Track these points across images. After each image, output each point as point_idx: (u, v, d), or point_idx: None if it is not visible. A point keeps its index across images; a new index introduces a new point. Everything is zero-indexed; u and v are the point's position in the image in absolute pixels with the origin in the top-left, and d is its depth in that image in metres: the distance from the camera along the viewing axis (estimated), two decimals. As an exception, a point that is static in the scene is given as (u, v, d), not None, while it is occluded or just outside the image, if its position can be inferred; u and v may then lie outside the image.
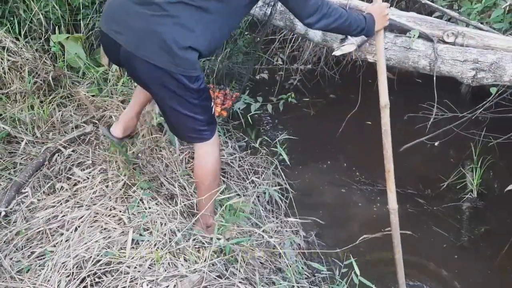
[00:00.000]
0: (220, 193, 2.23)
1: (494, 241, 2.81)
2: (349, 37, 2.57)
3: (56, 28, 3.03)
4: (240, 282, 1.84)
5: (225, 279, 1.86)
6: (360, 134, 3.78)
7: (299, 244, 2.65)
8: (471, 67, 2.31)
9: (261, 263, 2.23)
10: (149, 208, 2.04)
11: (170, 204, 2.18)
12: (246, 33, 4.83)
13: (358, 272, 1.68)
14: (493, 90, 2.82)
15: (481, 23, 2.99)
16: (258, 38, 4.82)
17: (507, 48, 2.32)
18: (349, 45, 2.48)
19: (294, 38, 4.53)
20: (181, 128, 1.96)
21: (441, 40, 2.41)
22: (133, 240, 1.88)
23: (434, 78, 2.38)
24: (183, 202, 2.18)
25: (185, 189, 2.34)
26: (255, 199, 2.56)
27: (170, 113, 1.90)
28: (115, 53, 1.83)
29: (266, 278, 2.03)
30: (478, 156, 3.18)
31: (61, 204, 2.09)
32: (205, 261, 1.91)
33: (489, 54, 2.28)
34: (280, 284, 1.93)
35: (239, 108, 3.40)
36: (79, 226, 1.94)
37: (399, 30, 2.51)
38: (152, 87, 1.84)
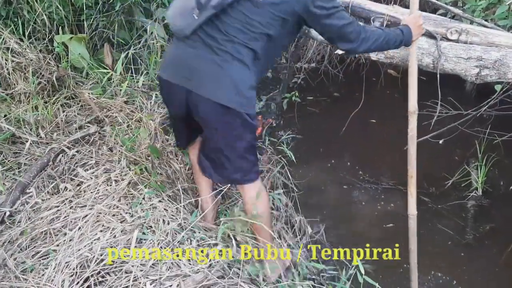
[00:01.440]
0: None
1: (499, 239, 2.79)
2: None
3: (60, 28, 3.04)
4: (243, 282, 1.84)
5: (228, 278, 1.86)
6: (364, 133, 3.77)
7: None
8: (475, 65, 2.29)
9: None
10: (153, 206, 2.05)
11: (175, 201, 2.18)
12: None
13: (363, 271, 1.68)
14: (497, 87, 2.81)
15: (486, 20, 2.97)
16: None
17: (511, 45, 2.29)
18: (352, 43, 2.47)
19: (297, 37, 4.52)
20: (231, 168, 1.99)
21: (445, 37, 2.39)
22: (133, 238, 1.88)
23: (438, 75, 2.36)
24: (186, 199, 2.18)
25: (187, 190, 2.34)
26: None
27: (226, 152, 1.95)
28: (179, 98, 1.91)
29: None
30: (483, 153, 3.17)
31: (65, 204, 2.10)
32: (209, 261, 1.92)
33: (493, 52, 2.26)
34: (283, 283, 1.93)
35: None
36: (82, 226, 1.95)
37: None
38: (217, 126, 1.91)
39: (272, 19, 1.83)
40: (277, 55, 1.96)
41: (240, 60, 1.81)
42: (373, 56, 2.56)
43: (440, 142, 3.33)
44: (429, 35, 2.41)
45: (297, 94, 3.86)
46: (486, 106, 2.98)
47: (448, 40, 2.39)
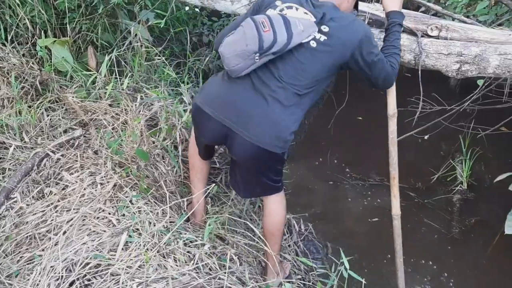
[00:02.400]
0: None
1: (485, 232, 2.83)
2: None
3: (43, 32, 3.02)
4: (230, 283, 1.85)
5: (215, 279, 1.87)
6: (351, 130, 3.80)
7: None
8: (455, 60, 2.31)
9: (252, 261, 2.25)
10: (139, 208, 2.05)
11: (161, 202, 2.18)
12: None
13: (347, 266, 1.69)
14: (480, 82, 2.84)
15: (467, 16, 3.01)
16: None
17: (490, 40, 2.32)
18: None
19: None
20: (261, 189, 2.09)
21: (425, 34, 2.41)
22: (120, 241, 1.88)
23: (419, 72, 2.38)
24: (172, 201, 2.18)
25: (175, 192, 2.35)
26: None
27: (258, 180, 2.03)
28: (217, 133, 1.95)
29: (255, 276, 2.04)
30: (467, 148, 3.21)
31: (50, 208, 2.09)
32: (196, 262, 1.92)
33: (473, 47, 2.28)
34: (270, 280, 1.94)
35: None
36: (68, 230, 1.94)
37: (383, 25, 2.51)
38: (254, 163, 1.97)
39: (323, 67, 1.89)
40: (316, 99, 2.03)
41: (288, 108, 1.86)
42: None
43: (425, 137, 3.36)
44: (410, 32, 2.43)
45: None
46: (469, 101, 3.02)
47: (429, 36, 2.41)
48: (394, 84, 2.20)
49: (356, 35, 1.89)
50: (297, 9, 1.94)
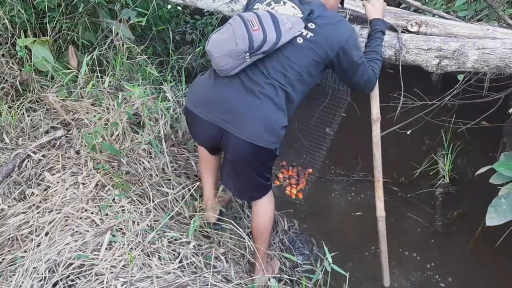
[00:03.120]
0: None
1: (467, 224, 2.88)
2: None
3: (22, 32, 2.97)
4: (214, 281, 1.85)
5: (200, 277, 1.86)
6: (338, 127, 3.81)
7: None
8: (435, 55, 2.34)
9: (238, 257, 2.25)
10: (122, 207, 2.03)
11: (144, 201, 2.17)
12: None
13: (330, 260, 1.71)
14: (460, 77, 2.88)
15: (448, 12, 3.05)
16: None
17: (469, 35, 2.36)
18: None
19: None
20: (252, 190, 2.11)
21: (405, 29, 2.44)
22: (104, 241, 1.87)
23: (400, 67, 2.41)
24: (156, 199, 2.17)
25: (160, 188, 2.33)
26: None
27: (251, 179, 2.04)
28: (211, 134, 1.95)
29: (241, 274, 2.04)
30: (449, 142, 3.25)
31: (32, 210, 2.07)
32: (181, 261, 1.92)
33: (452, 42, 2.32)
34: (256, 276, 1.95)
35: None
36: (50, 231, 1.92)
37: (365, 21, 2.53)
38: (248, 161, 1.96)
39: (308, 63, 1.90)
40: (303, 96, 2.03)
41: (277, 103, 1.86)
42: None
43: (408, 132, 3.40)
44: (390, 27, 2.45)
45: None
46: (450, 96, 3.07)
47: (409, 32, 2.44)
48: (377, 89, 2.25)
49: (342, 36, 1.92)
50: (284, 3, 1.96)
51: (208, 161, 2.26)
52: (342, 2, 2.22)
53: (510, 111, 2.90)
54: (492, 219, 2.36)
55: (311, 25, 1.91)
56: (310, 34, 1.90)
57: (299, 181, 2.83)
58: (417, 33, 2.44)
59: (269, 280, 2.00)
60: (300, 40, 1.89)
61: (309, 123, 2.98)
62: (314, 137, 2.96)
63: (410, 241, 2.80)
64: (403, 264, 2.66)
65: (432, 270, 2.67)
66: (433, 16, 2.61)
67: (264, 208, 2.14)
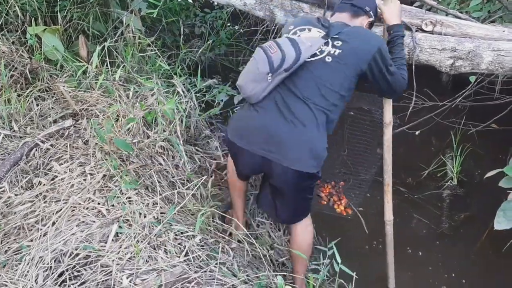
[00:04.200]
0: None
1: (474, 227, 2.85)
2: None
3: (33, 20, 2.96)
4: (220, 275, 1.84)
5: (206, 272, 1.85)
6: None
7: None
8: (449, 56, 2.31)
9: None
10: (129, 199, 2.03)
11: (151, 193, 2.16)
12: (228, 24, 4.82)
13: (339, 260, 1.69)
14: (472, 78, 2.85)
15: (461, 12, 3.01)
16: (241, 30, 4.82)
17: (484, 36, 2.33)
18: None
19: (276, 29, 4.51)
20: (297, 213, 2.11)
21: (420, 29, 2.41)
22: (111, 232, 1.86)
23: (413, 66, 2.38)
24: (163, 192, 2.16)
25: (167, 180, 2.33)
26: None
27: (293, 203, 2.06)
28: (254, 162, 1.98)
29: (246, 268, 2.04)
30: (458, 144, 3.22)
31: (39, 199, 2.06)
32: (186, 254, 1.91)
33: (467, 43, 2.29)
34: (260, 273, 1.94)
35: (221, 100, 3.38)
36: (56, 220, 1.92)
37: (379, 19, 2.51)
38: (292, 187, 1.97)
39: (344, 79, 1.91)
40: (341, 113, 2.04)
41: (317, 126, 1.87)
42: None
43: (417, 133, 3.38)
44: (405, 26, 2.42)
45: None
46: (461, 97, 3.04)
47: (423, 31, 2.41)
48: None
49: (371, 47, 1.92)
50: (309, 30, 1.99)
51: (239, 186, 2.32)
52: (370, 26, 2.21)
53: (522, 115, 2.87)
54: (501, 223, 2.33)
55: (338, 43, 1.93)
56: (338, 51, 1.91)
57: (339, 196, 2.79)
58: (432, 32, 2.41)
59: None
60: (329, 59, 1.91)
61: (355, 147, 2.92)
62: (361, 159, 2.90)
63: (416, 243, 2.77)
64: (408, 266, 2.64)
65: (438, 272, 2.65)
66: (447, 15, 2.58)
67: (303, 230, 2.14)
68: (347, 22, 2.06)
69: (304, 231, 2.14)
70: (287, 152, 1.86)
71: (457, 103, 3.07)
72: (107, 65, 2.83)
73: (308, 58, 1.91)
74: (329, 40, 1.95)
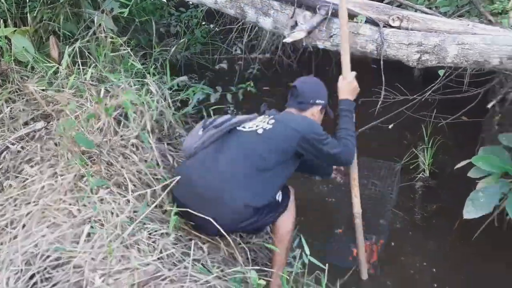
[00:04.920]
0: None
1: (446, 217, 2.92)
2: (299, 23, 2.60)
3: (2, 22, 2.92)
4: (194, 272, 1.85)
5: (182, 268, 1.86)
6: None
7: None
8: (415, 50, 2.36)
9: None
10: (101, 198, 2.02)
11: (124, 191, 2.15)
12: (203, 23, 4.82)
13: (308, 252, 1.72)
14: (441, 72, 2.91)
15: (430, 7, 3.07)
16: (216, 28, 4.83)
17: (449, 30, 2.38)
18: (299, 32, 2.50)
19: (251, 27, 4.54)
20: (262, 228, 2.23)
21: (387, 24, 2.46)
22: (83, 233, 1.85)
23: (381, 62, 2.43)
24: (136, 190, 2.16)
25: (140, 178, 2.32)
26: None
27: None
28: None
29: (221, 264, 2.05)
30: (429, 136, 3.29)
31: (9, 202, 2.04)
32: (160, 252, 1.91)
33: (433, 37, 2.34)
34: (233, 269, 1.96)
35: (198, 99, 3.37)
36: (27, 223, 1.90)
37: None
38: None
39: (270, 151, 2.05)
40: (278, 183, 2.15)
41: (246, 183, 2.00)
42: (320, 44, 2.60)
43: (390, 127, 3.43)
44: (372, 22, 2.47)
45: (252, 84, 3.84)
46: (431, 91, 3.10)
47: (391, 26, 2.46)
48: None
49: (299, 129, 2.07)
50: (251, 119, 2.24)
51: None
52: (323, 109, 2.36)
53: (488, 106, 2.95)
54: (470, 212, 2.40)
55: (272, 121, 2.13)
56: (269, 127, 2.10)
57: (371, 255, 2.71)
58: (399, 28, 2.46)
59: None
60: (260, 131, 2.10)
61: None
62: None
63: (389, 234, 2.82)
64: (381, 257, 2.69)
65: (411, 262, 2.70)
66: (415, 11, 2.63)
67: (284, 221, 2.18)
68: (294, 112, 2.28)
69: (285, 221, 2.18)
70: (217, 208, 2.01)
71: (427, 96, 3.13)
72: (78, 66, 2.81)
73: (243, 128, 2.14)
74: (267, 118, 2.17)
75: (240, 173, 2.01)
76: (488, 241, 2.69)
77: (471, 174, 2.59)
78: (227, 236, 1.97)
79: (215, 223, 1.92)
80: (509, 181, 2.39)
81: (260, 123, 2.15)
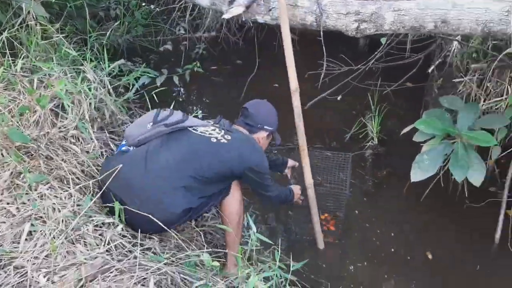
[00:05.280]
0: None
1: (396, 182, 3.00)
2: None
3: None
4: (143, 260, 1.81)
5: (132, 258, 1.81)
6: (268, 97, 3.80)
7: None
8: (353, 19, 2.36)
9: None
10: (40, 194, 1.93)
11: (65, 185, 2.07)
12: (144, 4, 4.66)
13: (254, 230, 1.72)
14: (382, 40, 2.95)
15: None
16: (157, 9, 4.67)
17: (385, -3, 2.39)
18: (237, 7, 2.45)
19: (193, 6, 4.42)
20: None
21: (325, -6, 2.44)
22: (23, 232, 1.77)
23: (321, 33, 2.42)
24: (79, 183, 2.08)
25: (83, 171, 2.24)
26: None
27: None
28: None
29: (170, 250, 2.02)
30: (376, 105, 3.34)
31: None
32: (108, 244, 1.86)
33: (369, 5, 2.34)
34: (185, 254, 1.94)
35: (143, 83, 3.25)
36: (-39, 227, 1.79)
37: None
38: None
39: (218, 162, 2.03)
40: (219, 187, 2.14)
41: (171, 186, 1.97)
42: (260, 18, 2.56)
43: (338, 98, 3.46)
44: (309, -7, 2.44)
45: (198, 64, 3.75)
46: (374, 60, 3.14)
47: (329, -4, 2.44)
48: (292, 60, 2.25)
49: (252, 158, 2.09)
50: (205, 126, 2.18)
51: None
52: (269, 136, 2.38)
53: (429, 71, 3.02)
54: (416, 174, 2.46)
55: (227, 135, 2.10)
56: (224, 140, 2.08)
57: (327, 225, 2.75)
58: (336, -3, 2.45)
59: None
60: (214, 140, 2.07)
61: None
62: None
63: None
64: (336, 226, 2.74)
65: (364, 227, 2.77)
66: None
67: (229, 202, 2.16)
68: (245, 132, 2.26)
69: (230, 202, 2.16)
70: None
71: (371, 65, 3.17)
72: (8, 57, 2.64)
73: (195, 130, 2.11)
74: (222, 130, 2.14)
75: (184, 176, 1.99)
76: (437, 201, 2.79)
77: (416, 138, 2.65)
78: (169, 230, 1.98)
79: (162, 213, 1.92)
80: (452, 142, 2.46)
81: (213, 132, 2.12)
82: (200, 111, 3.29)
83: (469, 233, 2.69)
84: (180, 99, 3.97)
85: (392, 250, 2.62)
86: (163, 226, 1.90)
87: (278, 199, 2.34)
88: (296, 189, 2.49)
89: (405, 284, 2.45)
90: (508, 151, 2.53)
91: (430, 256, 2.60)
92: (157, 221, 1.88)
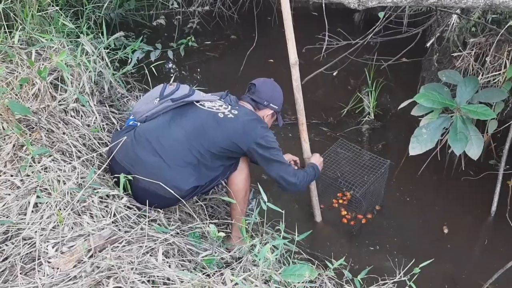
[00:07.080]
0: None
1: (393, 157, 3.02)
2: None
3: None
4: (152, 231, 1.83)
5: (139, 229, 1.83)
6: (263, 73, 3.79)
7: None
8: (356, -8, 2.35)
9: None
10: (45, 167, 1.92)
11: (69, 158, 2.06)
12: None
13: (265, 199, 1.74)
14: (381, 14, 2.94)
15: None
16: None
17: (387, -31, 2.38)
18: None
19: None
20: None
21: (326, -34, 2.42)
22: (29, 203, 1.76)
23: (323, 5, 2.41)
24: (81, 156, 2.07)
25: (85, 144, 2.22)
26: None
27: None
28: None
29: (175, 222, 2.04)
30: (372, 80, 3.35)
31: None
32: (114, 215, 1.87)
33: (371, -23, 2.33)
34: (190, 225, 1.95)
35: (138, 58, 3.22)
36: (-34, 199, 1.78)
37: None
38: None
39: (223, 138, 2.03)
40: (226, 165, 2.15)
41: (182, 162, 1.98)
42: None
43: (334, 73, 3.47)
44: (311, -35, 2.42)
45: (193, 39, 3.72)
46: (372, 34, 3.14)
47: (330, -31, 2.42)
48: (292, 32, 2.20)
49: (257, 132, 2.08)
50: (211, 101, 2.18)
51: None
52: (274, 115, 2.35)
53: (428, 45, 3.03)
54: (415, 148, 2.50)
55: (234, 111, 2.10)
56: (231, 115, 2.08)
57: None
58: (338, -31, 2.43)
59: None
60: (221, 115, 2.07)
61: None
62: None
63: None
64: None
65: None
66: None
67: (236, 177, 2.19)
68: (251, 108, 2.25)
69: (237, 177, 2.19)
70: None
71: (368, 40, 3.17)
72: (4, 29, 2.59)
73: (202, 106, 2.11)
74: (229, 105, 2.15)
75: (192, 152, 2.01)
76: (433, 175, 2.84)
77: (414, 112, 2.67)
78: (182, 201, 1.98)
79: (171, 189, 1.93)
80: (450, 115, 2.49)
81: (220, 108, 2.12)
82: (195, 87, 3.27)
83: (466, 205, 2.75)
84: (176, 74, 3.94)
85: (385, 224, 2.68)
86: (178, 196, 1.94)
87: (306, 182, 2.25)
88: (316, 158, 2.42)
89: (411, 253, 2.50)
90: (506, 125, 2.57)
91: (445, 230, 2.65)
92: (170, 190, 1.92)
